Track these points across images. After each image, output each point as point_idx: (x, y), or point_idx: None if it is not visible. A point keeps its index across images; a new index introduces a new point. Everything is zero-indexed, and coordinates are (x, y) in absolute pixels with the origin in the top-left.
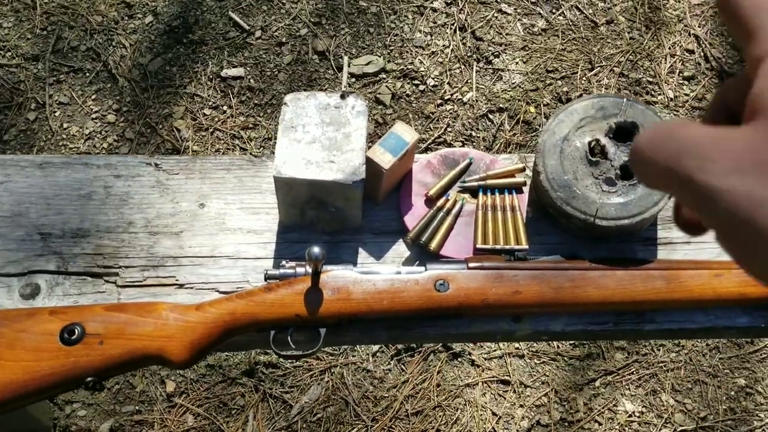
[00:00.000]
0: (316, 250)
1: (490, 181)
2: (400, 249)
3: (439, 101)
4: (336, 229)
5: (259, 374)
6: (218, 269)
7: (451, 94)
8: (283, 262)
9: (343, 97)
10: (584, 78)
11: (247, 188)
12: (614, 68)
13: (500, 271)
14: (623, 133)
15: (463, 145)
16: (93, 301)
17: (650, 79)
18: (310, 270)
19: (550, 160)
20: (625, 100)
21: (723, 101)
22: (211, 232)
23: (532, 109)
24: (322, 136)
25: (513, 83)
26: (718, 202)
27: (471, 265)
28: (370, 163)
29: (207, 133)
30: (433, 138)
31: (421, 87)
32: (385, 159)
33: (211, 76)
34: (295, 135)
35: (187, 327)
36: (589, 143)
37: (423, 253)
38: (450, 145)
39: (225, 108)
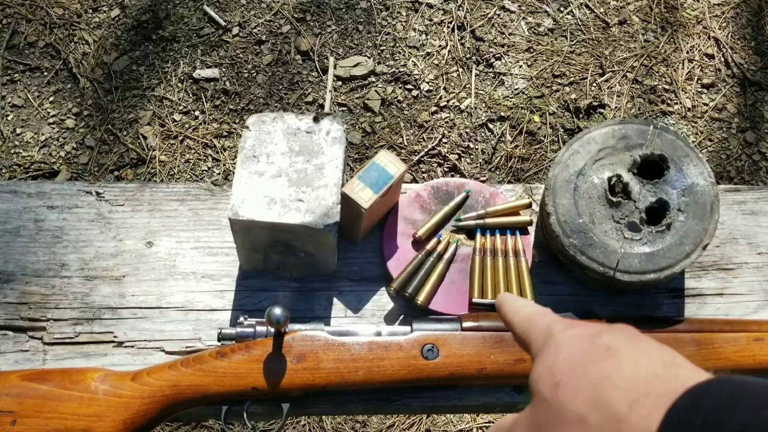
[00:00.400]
0: (277, 312)
1: (489, 220)
2: (382, 300)
3: (433, 108)
4: (306, 275)
5: None
6: (165, 323)
7: (448, 101)
8: (241, 319)
9: (316, 119)
10: (594, 84)
11: (204, 223)
12: (627, 74)
13: (500, 334)
14: (650, 168)
15: (459, 158)
16: (13, 362)
17: (666, 86)
18: (272, 330)
19: (562, 199)
20: (651, 127)
21: None
22: (159, 277)
23: (537, 118)
24: (290, 168)
25: (516, 89)
26: None
27: (465, 324)
28: (346, 200)
29: (176, 141)
30: (426, 150)
31: (415, 92)
32: (364, 196)
33: (182, 78)
34: (257, 167)
35: (119, 403)
36: (609, 179)
37: (409, 307)
38: (445, 158)
39: (197, 113)
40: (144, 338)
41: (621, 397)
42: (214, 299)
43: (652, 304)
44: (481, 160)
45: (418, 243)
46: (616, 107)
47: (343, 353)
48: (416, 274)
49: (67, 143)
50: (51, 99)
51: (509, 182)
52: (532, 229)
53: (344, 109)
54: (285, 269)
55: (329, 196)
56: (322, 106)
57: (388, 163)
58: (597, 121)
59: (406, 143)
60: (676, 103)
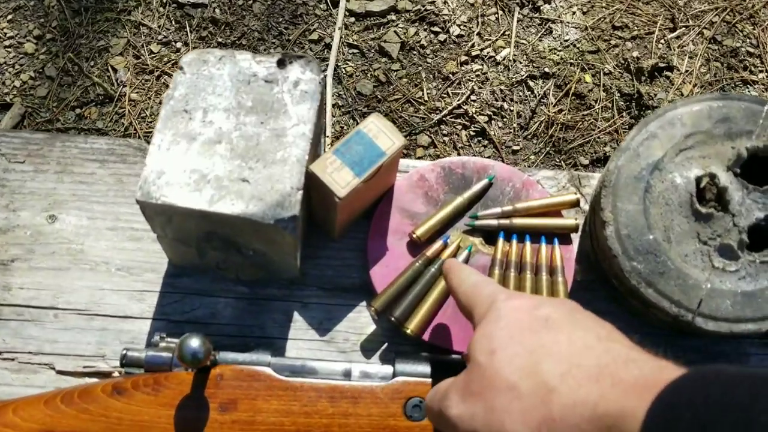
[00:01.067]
0: (193, 344)
1: (518, 220)
2: (361, 319)
3: (463, 57)
4: (258, 277)
5: None
6: (59, 331)
7: (481, 50)
8: (156, 338)
9: (281, 63)
10: (662, 41)
11: (128, 194)
12: (704, 30)
13: None
14: (760, 167)
15: (489, 121)
16: None
17: (750, 50)
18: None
19: (626, 203)
20: (767, 108)
21: None
22: (60, 266)
23: (588, 78)
24: (235, 132)
25: (566, 40)
26: (458, 426)
27: None
28: (316, 184)
29: (151, 76)
30: (450, 108)
31: (442, 36)
32: (340, 180)
33: (164, 1)
34: (187, 126)
35: None
36: (699, 180)
37: (397, 333)
38: (472, 119)
39: (178, 45)
40: (29, 349)
41: (553, 368)
42: (131, 302)
43: (734, 354)
44: (515, 125)
45: (416, 245)
46: (686, 71)
47: (291, 402)
48: (409, 290)
49: (24, 71)
50: (9, 17)
51: (548, 155)
52: (576, 238)
53: (356, 51)
54: (229, 269)
55: (288, 177)
56: (329, 46)
57: (379, 133)
58: (662, 86)
59: (426, 98)
60: (761, 71)
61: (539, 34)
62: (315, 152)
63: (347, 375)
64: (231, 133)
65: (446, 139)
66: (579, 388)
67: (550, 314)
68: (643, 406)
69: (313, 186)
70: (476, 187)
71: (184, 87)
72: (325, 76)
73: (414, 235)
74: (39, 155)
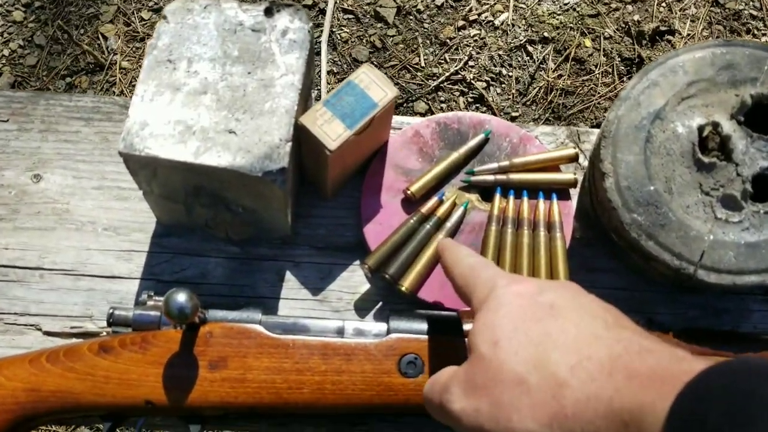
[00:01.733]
0: (180, 299)
1: (515, 176)
2: (354, 278)
3: (461, 22)
4: (249, 236)
5: None
6: (46, 291)
7: (479, 14)
8: (144, 296)
9: (269, 12)
10: (663, 4)
11: (114, 153)
12: None
13: None
14: (765, 113)
15: (487, 87)
16: None
17: (754, 12)
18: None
19: (626, 154)
20: None
21: None
22: (45, 225)
23: (588, 43)
24: (221, 83)
25: (565, 4)
26: (462, 421)
27: (468, 327)
28: (307, 136)
29: (142, 44)
30: (447, 74)
31: (439, 0)
32: (331, 133)
33: None
34: (171, 76)
35: None
36: (701, 129)
37: (391, 292)
38: (470, 86)
39: None
40: (15, 310)
41: (561, 359)
42: (118, 262)
43: (737, 310)
44: (514, 91)
45: (410, 202)
46: (688, 35)
47: (283, 360)
48: (403, 247)
49: (13, 40)
50: None
51: (547, 121)
52: (575, 193)
53: (351, 16)
54: (218, 227)
55: (276, 129)
56: (323, 12)
57: (370, 84)
58: (663, 50)
59: (423, 64)
60: (764, 34)
61: None
62: (305, 104)
63: (340, 332)
64: (217, 84)
65: (444, 105)
66: (591, 382)
67: (554, 300)
68: (663, 400)
69: (303, 139)
70: (472, 143)
71: (167, 36)
72: (315, 28)
73: (408, 192)
74: (23, 114)
